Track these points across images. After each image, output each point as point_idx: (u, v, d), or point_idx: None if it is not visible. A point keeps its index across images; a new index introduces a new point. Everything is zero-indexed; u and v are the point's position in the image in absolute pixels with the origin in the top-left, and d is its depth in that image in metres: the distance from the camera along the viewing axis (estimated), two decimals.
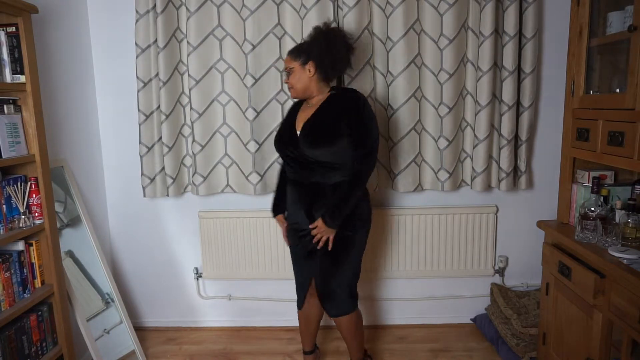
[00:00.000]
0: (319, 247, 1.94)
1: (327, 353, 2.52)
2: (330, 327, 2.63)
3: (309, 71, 1.92)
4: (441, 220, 2.61)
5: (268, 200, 2.63)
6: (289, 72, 1.96)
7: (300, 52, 1.94)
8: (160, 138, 2.48)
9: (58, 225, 2.04)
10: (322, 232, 1.90)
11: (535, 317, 2.34)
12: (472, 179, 2.49)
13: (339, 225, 1.90)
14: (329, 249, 1.93)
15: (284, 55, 2.40)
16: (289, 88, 1.98)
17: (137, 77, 2.42)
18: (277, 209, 2.16)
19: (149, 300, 2.83)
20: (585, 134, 1.93)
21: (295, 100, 2.11)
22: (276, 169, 2.53)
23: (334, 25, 2.07)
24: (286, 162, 2.03)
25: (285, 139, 1.99)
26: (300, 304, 2.18)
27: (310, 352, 2.33)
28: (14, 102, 1.80)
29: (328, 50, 1.90)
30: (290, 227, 2.07)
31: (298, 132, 1.94)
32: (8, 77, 1.75)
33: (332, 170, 1.90)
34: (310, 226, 1.94)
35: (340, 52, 1.92)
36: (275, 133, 2.48)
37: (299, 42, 2.35)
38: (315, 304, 2.15)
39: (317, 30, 1.96)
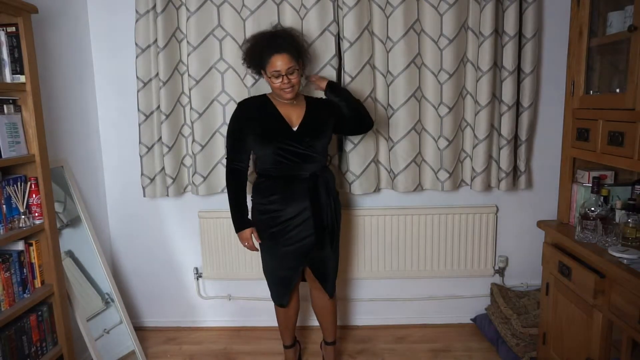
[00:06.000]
0: None
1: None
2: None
3: (301, 70, 2.02)
4: (441, 220, 2.61)
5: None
6: (292, 71, 1.94)
7: (299, 52, 2.00)
8: (160, 138, 2.47)
9: (58, 225, 2.04)
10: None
11: (535, 317, 2.34)
12: (472, 179, 2.49)
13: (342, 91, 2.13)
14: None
15: None
16: (289, 88, 1.95)
17: (137, 77, 2.42)
18: (247, 222, 2.06)
19: (149, 300, 2.83)
20: (585, 134, 1.93)
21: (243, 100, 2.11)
22: None
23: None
24: (280, 157, 1.98)
25: (281, 133, 1.98)
26: (287, 300, 2.20)
27: (293, 345, 2.38)
28: (14, 102, 1.80)
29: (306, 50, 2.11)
30: (282, 223, 2.02)
31: (294, 128, 1.99)
32: (8, 77, 1.75)
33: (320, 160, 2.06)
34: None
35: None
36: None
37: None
38: (297, 298, 2.26)
39: (289, 31, 2.07)
